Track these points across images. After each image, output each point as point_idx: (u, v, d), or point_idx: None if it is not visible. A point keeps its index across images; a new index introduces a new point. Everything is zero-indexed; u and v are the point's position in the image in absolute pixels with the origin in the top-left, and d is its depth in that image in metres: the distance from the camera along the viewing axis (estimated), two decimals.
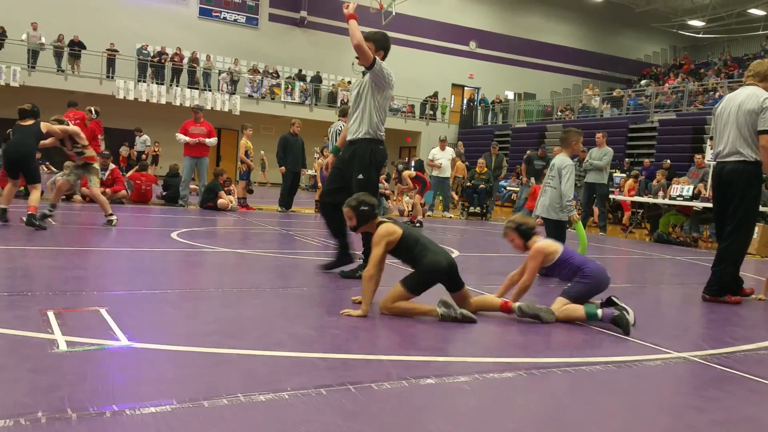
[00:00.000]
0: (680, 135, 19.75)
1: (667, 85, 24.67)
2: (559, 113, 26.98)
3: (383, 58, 4.77)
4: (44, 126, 7.05)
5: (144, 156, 19.64)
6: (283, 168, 11.72)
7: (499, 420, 2.27)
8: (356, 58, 4.62)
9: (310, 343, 3.04)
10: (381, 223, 3.83)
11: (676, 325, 4.42)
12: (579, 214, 5.83)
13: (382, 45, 4.80)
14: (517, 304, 3.90)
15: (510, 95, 31.57)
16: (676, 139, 19.76)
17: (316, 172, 12.82)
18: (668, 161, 16.35)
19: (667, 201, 11.59)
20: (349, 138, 4.90)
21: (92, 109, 10.55)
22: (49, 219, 7.05)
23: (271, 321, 3.42)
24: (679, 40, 35.54)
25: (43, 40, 21.53)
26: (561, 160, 5.88)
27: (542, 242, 4.20)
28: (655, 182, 13.69)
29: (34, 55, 21.38)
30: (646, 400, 2.61)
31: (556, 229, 5.85)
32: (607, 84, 31.73)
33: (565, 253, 4.12)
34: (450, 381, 2.60)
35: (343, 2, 5.65)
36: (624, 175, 16.12)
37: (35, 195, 6.79)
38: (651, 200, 12.33)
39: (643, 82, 28.37)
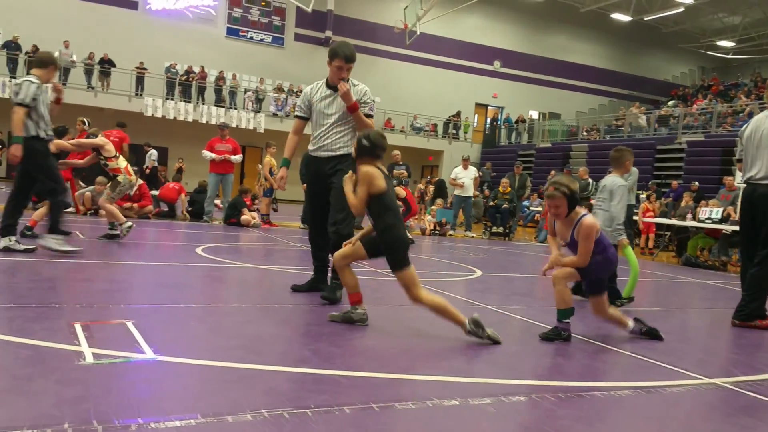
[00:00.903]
0: (709, 157, 19.47)
1: (695, 106, 24.38)
2: (585, 133, 26.80)
3: None
4: (55, 144, 7.20)
5: (147, 170, 19.81)
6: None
7: None
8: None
9: (333, 360, 3.02)
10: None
11: (705, 350, 4.32)
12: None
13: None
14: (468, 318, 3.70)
15: (534, 115, 31.48)
16: (705, 161, 19.48)
17: None
18: (696, 183, 16.11)
19: (695, 224, 11.40)
20: (329, 153, 4.65)
21: (84, 120, 10.63)
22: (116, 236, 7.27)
23: (294, 337, 3.42)
24: (707, 60, 35.20)
25: (74, 57, 22.06)
26: (612, 180, 5.60)
27: (590, 217, 3.96)
28: (683, 204, 13.48)
29: (65, 72, 21.89)
30: (676, 428, 2.54)
31: None
32: (633, 104, 31.49)
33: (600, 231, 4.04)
34: (475, 403, 2.56)
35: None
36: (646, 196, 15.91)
37: (40, 211, 6.82)
38: (679, 223, 12.14)
39: (670, 103, 28.09)
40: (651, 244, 13.69)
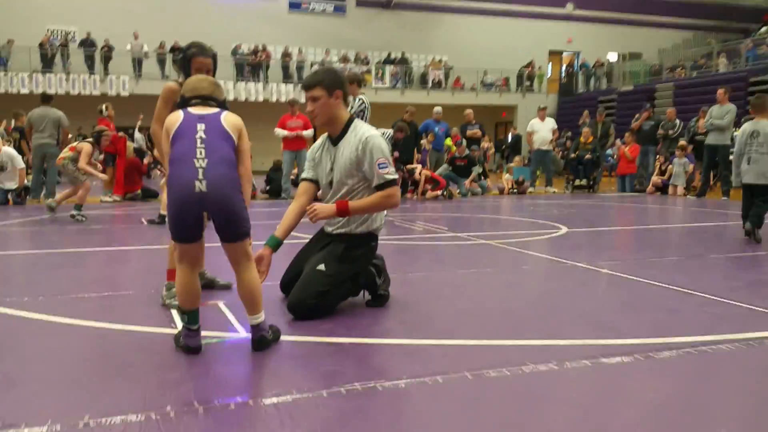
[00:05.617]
0: None
1: None
2: (668, 72, 25.17)
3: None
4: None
5: None
6: (396, 153, 11.39)
7: (628, 409, 2.11)
8: None
9: (420, 330, 2.98)
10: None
11: None
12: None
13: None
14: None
15: (613, 57, 29.81)
16: None
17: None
18: None
19: None
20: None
21: (102, 108, 10.72)
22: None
23: (379, 308, 3.39)
24: None
25: (146, 48, 22.74)
26: (765, 125, 5.87)
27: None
28: None
29: (138, 63, 22.64)
30: None
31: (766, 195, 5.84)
32: (721, 36, 29.22)
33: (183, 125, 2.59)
34: (571, 366, 2.45)
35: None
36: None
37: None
38: None
39: (763, 29, 25.85)
40: None
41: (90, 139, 8.08)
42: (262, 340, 2.63)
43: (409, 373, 2.36)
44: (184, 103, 2.71)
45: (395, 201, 3.26)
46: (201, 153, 2.50)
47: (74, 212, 7.26)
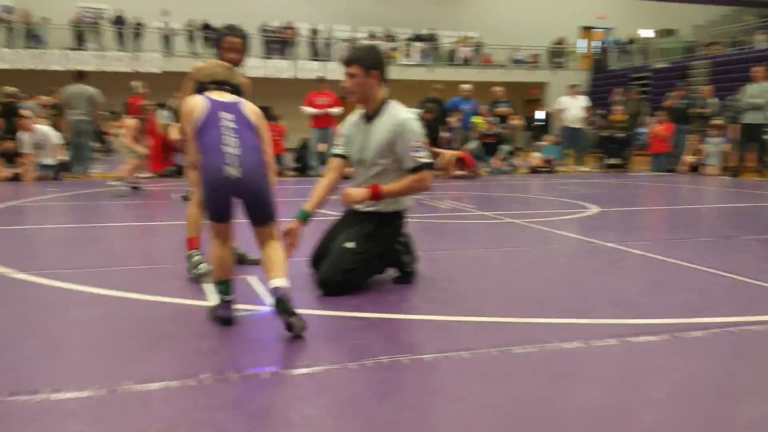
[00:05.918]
0: None
1: None
2: (704, 48, 24.43)
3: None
4: None
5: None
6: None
7: (654, 387, 2.13)
8: None
9: (447, 307, 3.02)
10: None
11: None
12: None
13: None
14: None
15: (647, 33, 29.00)
16: None
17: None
18: None
19: None
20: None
21: (135, 85, 11.00)
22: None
23: (406, 286, 3.44)
24: None
25: (174, 25, 22.83)
26: None
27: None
28: None
29: (168, 41, 22.76)
30: None
31: None
32: (759, 11, 28.20)
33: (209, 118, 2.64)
34: (597, 344, 2.47)
35: None
36: None
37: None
38: None
39: None
40: None
41: (139, 116, 8.41)
42: (281, 302, 2.50)
43: (435, 348, 2.41)
44: (201, 88, 2.78)
45: (428, 185, 3.27)
46: (232, 142, 2.59)
47: (114, 183, 7.56)
